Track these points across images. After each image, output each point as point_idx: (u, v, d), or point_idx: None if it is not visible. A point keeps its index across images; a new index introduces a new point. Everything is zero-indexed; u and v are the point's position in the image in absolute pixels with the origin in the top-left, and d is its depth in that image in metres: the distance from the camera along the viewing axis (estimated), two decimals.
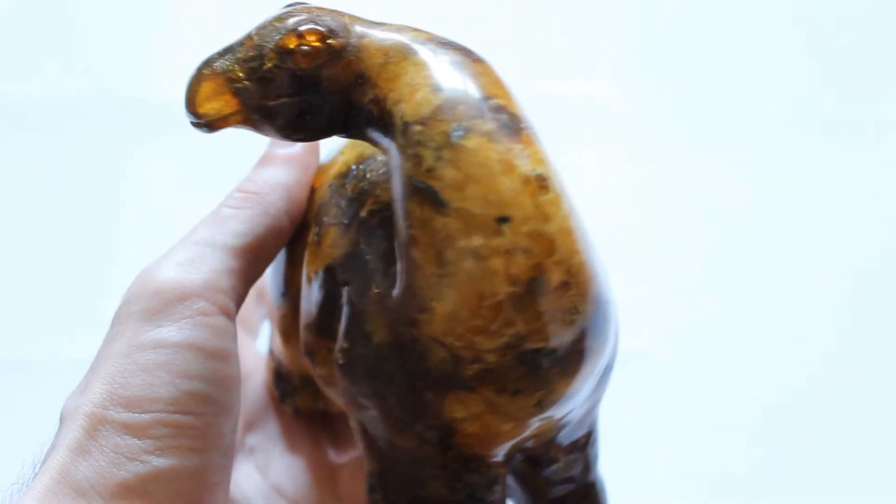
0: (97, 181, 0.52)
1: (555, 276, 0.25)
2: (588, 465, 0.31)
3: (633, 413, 0.44)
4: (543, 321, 0.25)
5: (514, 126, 0.25)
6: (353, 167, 0.30)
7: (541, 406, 0.26)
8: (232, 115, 0.27)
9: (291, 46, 0.27)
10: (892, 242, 0.52)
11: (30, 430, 0.50)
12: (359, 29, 0.27)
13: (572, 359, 0.26)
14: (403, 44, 0.27)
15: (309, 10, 0.27)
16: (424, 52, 0.26)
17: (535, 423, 0.27)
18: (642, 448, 0.48)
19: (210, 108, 0.27)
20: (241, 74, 0.27)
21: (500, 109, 0.25)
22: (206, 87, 0.27)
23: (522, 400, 0.26)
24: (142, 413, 0.25)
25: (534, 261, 0.25)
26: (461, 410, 0.26)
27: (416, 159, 0.25)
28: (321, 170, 0.32)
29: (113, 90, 0.56)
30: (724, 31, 0.58)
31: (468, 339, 0.25)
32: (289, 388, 0.35)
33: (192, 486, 0.26)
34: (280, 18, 0.27)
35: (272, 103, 0.27)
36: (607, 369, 0.29)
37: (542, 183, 0.25)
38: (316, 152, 0.32)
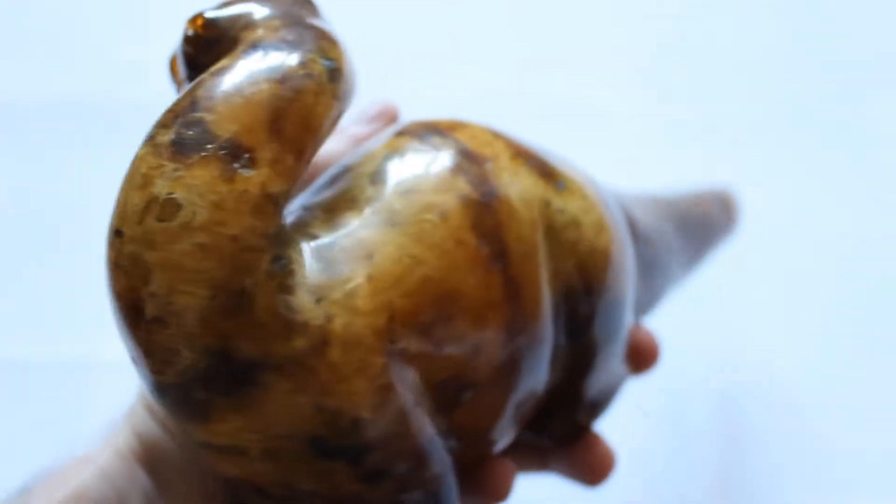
0: (96, 181, 0.52)
1: (148, 309, 0.24)
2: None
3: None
4: (142, 351, 0.25)
5: (195, 146, 0.25)
6: None
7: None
8: (179, 87, 0.28)
9: (186, 29, 0.27)
10: (892, 243, 0.52)
11: (29, 430, 0.50)
12: (258, 24, 0.27)
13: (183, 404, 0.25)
14: (245, 42, 0.27)
15: None
16: (240, 54, 0.26)
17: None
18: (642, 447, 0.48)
19: (174, 75, 0.29)
20: (179, 52, 0.28)
21: (195, 124, 0.25)
22: (173, 59, 0.29)
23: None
24: None
25: (130, 284, 0.24)
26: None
27: None
28: None
29: (112, 91, 0.56)
30: (725, 31, 0.58)
31: None
32: None
33: None
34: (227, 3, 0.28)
35: (179, 82, 0.28)
36: None
37: (167, 208, 0.24)
38: None
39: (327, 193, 0.28)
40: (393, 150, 0.29)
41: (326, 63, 0.27)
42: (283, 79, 0.26)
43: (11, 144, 0.55)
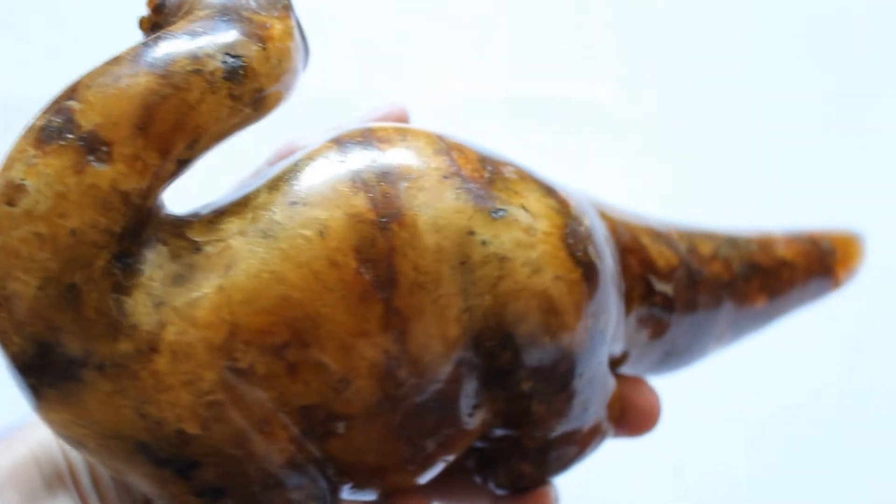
0: None
1: None
2: None
3: None
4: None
5: (56, 134, 0.24)
6: None
7: None
8: None
9: (144, 11, 0.27)
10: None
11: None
12: (195, 11, 0.27)
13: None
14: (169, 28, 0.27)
15: None
16: (143, 43, 0.26)
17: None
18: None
19: None
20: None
21: (64, 112, 0.25)
22: None
23: None
24: None
25: None
26: None
27: None
28: None
29: None
30: (725, 31, 0.58)
31: None
32: None
33: None
34: None
35: None
36: None
37: (17, 193, 0.24)
38: None
39: (232, 195, 0.28)
40: (308, 157, 0.28)
41: (229, 60, 0.26)
42: (166, 73, 0.25)
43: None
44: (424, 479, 0.30)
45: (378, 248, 0.27)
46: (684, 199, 0.53)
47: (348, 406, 0.27)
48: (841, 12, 0.56)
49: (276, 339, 0.26)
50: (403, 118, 0.33)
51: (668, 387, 0.50)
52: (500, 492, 0.32)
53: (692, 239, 0.34)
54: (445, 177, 0.28)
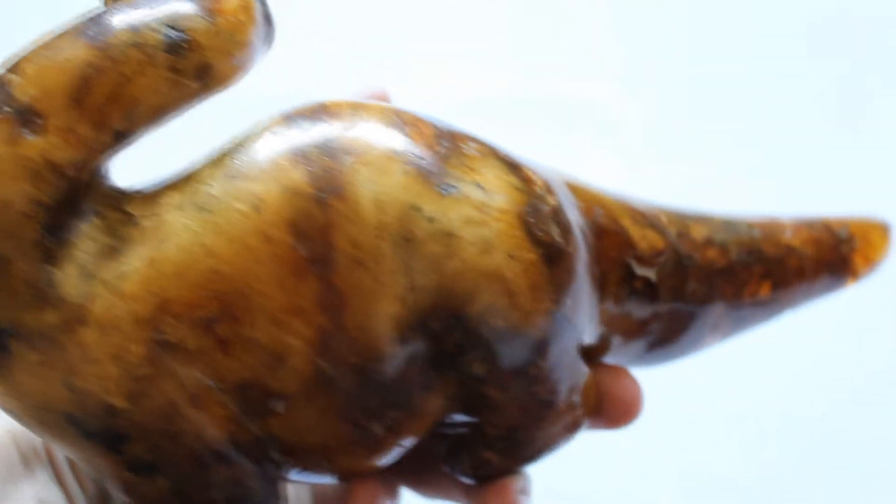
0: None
1: None
2: None
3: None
4: None
5: None
6: None
7: None
8: None
9: None
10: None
11: None
12: None
13: None
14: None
15: None
16: (89, 16, 0.26)
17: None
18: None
19: None
20: None
21: (3, 85, 0.25)
22: None
23: None
24: None
25: None
26: None
27: None
28: None
29: None
30: (725, 31, 0.58)
31: None
32: None
33: None
34: None
35: None
36: None
37: None
38: None
39: (182, 170, 0.28)
40: (256, 132, 0.28)
41: (172, 34, 0.26)
42: (104, 46, 0.25)
43: None
44: (381, 462, 0.29)
45: (315, 224, 0.26)
46: (684, 198, 0.53)
47: (285, 384, 0.26)
48: (841, 12, 0.57)
49: (204, 312, 0.26)
50: (384, 100, 0.32)
51: (668, 388, 0.50)
52: (465, 480, 0.31)
53: (685, 223, 0.33)
54: (394, 151, 0.27)
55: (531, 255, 0.28)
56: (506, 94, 0.56)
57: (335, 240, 0.26)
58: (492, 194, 0.27)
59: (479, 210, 0.27)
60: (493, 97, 0.55)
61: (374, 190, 0.26)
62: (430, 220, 0.27)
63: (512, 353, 0.28)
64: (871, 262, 0.35)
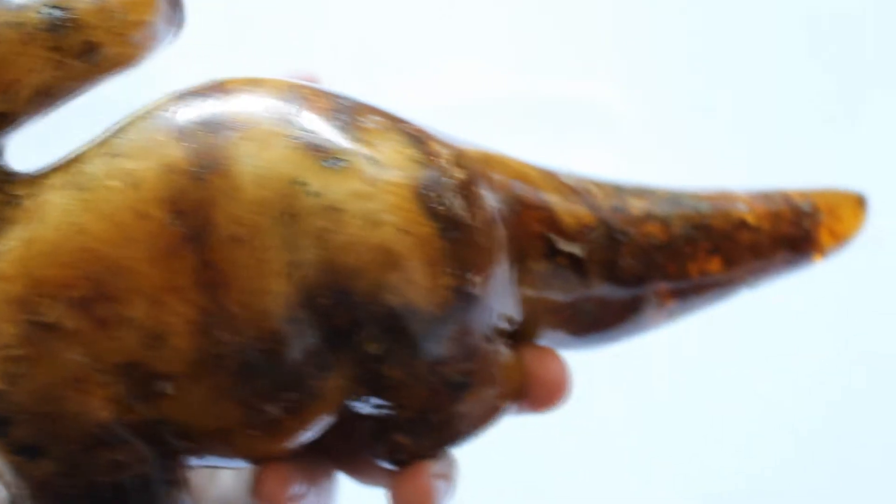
0: None
1: None
2: None
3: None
4: None
5: None
6: None
7: None
8: None
9: None
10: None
11: None
12: None
13: None
14: None
15: None
16: None
17: None
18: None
19: None
20: None
21: None
22: None
23: None
24: None
25: None
26: None
27: None
28: None
29: (109, 94, 0.56)
30: (725, 31, 0.58)
31: None
32: None
33: None
34: None
35: None
36: None
37: None
38: None
39: (72, 151, 0.28)
40: (145, 111, 0.27)
41: (54, 12, 0.26)
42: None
43: (14, 143, 0.55)
44: (288, 445, 0.28)
45: (190, 200, 0.26)
46: None
47: (169, 365, 0.26)
48: (841, 12, 0.57)
49: (78, 292, 0.25)
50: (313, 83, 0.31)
51: (671, 390, 0.50)
52: (382, 464, 0.30)
53: (622, 196, 0.31)
54: (279, 125, 0.27)
55: (426, 228, 0.27)
56: (505, 93, 0.56)
57: (213, 216, 0.26)
58: (384, 168, 0.27)
59: (367, 183, 0.26)
60: (492, 97, 0.55)
61: (255, 164, 0.26)
62: (316, 194, 0.26)
63: (408, 331, 0.27)
64: (839, 237, 0.33)
